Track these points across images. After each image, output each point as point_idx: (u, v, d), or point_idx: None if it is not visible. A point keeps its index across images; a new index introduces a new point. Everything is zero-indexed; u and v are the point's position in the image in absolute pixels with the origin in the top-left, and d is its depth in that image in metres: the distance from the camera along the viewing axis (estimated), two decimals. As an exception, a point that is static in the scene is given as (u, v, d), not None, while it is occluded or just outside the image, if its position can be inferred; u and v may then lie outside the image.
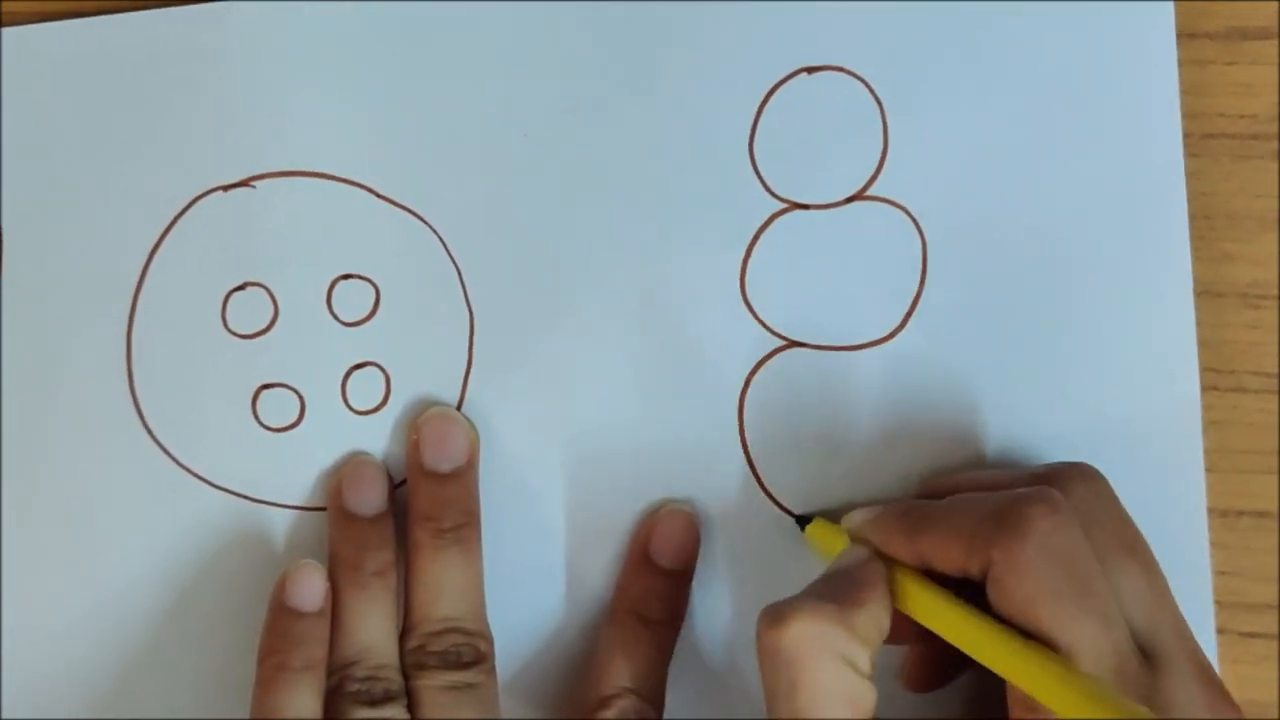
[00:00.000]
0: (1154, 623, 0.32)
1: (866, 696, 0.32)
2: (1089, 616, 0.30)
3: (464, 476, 0.39)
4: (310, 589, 0.37)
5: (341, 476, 0.39)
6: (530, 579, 0.40)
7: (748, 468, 0.40)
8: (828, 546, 0.37)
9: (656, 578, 0.39)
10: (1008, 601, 0.31)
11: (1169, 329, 0.39)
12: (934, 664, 0.36)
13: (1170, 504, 0.38)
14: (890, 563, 0.34)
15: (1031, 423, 0.39)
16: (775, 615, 0.32)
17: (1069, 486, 0.33)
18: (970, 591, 0.32)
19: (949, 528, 0.33)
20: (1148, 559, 0.33)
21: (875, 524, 0.35)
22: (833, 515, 0.38)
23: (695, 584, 0.39)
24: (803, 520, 0.38)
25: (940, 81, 0.39)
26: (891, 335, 0.39)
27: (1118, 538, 0.33)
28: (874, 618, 0.33)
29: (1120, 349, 0.39)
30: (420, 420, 0.39)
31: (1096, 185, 0.39)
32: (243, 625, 0.39)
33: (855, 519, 0.36)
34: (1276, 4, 0.39)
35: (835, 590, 0.33)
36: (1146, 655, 0.32)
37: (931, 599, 0.33)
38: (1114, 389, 0.39)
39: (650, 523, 0.39)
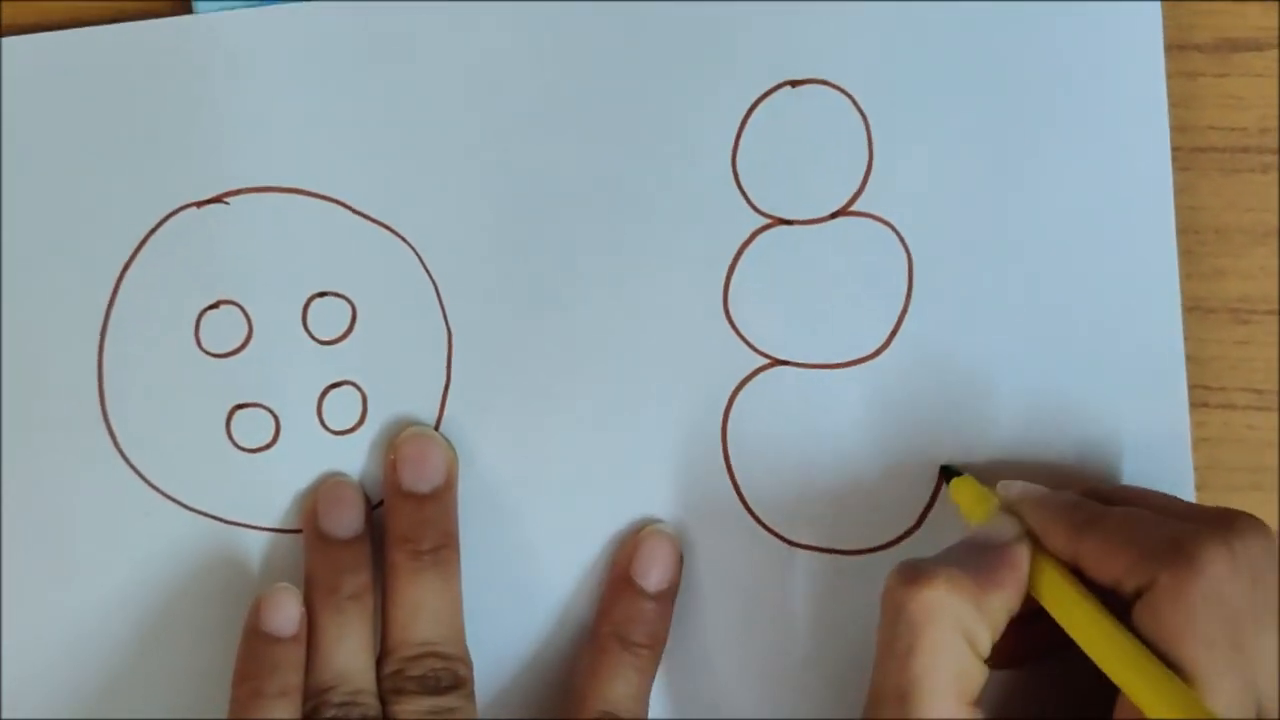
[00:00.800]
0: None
1: (977, 679, 0.32)
2: (1233, 674, 0.31)
3: (442, 497, 0.38)
4: (285, 613, 0.37)
5: (317, 498, 0.39)
6: (510, 601, 0.40)
7: (731, 487, 0.40)
8: (971, 507, 0.36)
9: (638, 600, 0.39)
10: (1158, 628, 0.31)
11: (1157, 345, 0.39)
12: (1014, 646, 0.35)
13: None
14: (1037, 548, 0.34)
15: (1019, 442, 0.39)
16: (912, 574, 0.32)
17: (1243, 536, 0.32)
18: (1107, 602, 0.32)
19: (1120, 536, 0.32)
20: None
21: (1037, 506, 0.34)
22: (983, 477, 0.38)
23: (678, 606, 0.39)
24: (949, 472, 0.38)
25: (926, 96, 0.39)
26: (876, 353, 0.39)
27: (1272, 602, 0.32)
28: (1007, 602, 0.33)
29: (1109, 367, 0.39)
30: (398, 440, 0.39)
31: (1084, 200, 0.39)
32: (217, 650, 0.39)
33: (1014, 490, 0.35)
34: (1267, 15, 0.39)
35: (978, 563, 0.33)
36: None
37: (1074, 598, 0.32)
38: (1103, 407, 0.39)
39: (632, 544, 0.39)
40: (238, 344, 0.39)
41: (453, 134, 0.39)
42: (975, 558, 0.33)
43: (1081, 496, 0.35)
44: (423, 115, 0.39)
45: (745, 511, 0.40)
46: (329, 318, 0.39)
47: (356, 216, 0.39)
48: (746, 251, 0.39)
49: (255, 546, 0.40)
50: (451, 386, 0.39)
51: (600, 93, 0.39)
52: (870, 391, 0.39)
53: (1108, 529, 0.33)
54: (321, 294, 0.39)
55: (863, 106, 0.39)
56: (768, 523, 0.40)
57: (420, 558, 0.38)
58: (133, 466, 0.39)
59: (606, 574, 0.40)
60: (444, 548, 0.38)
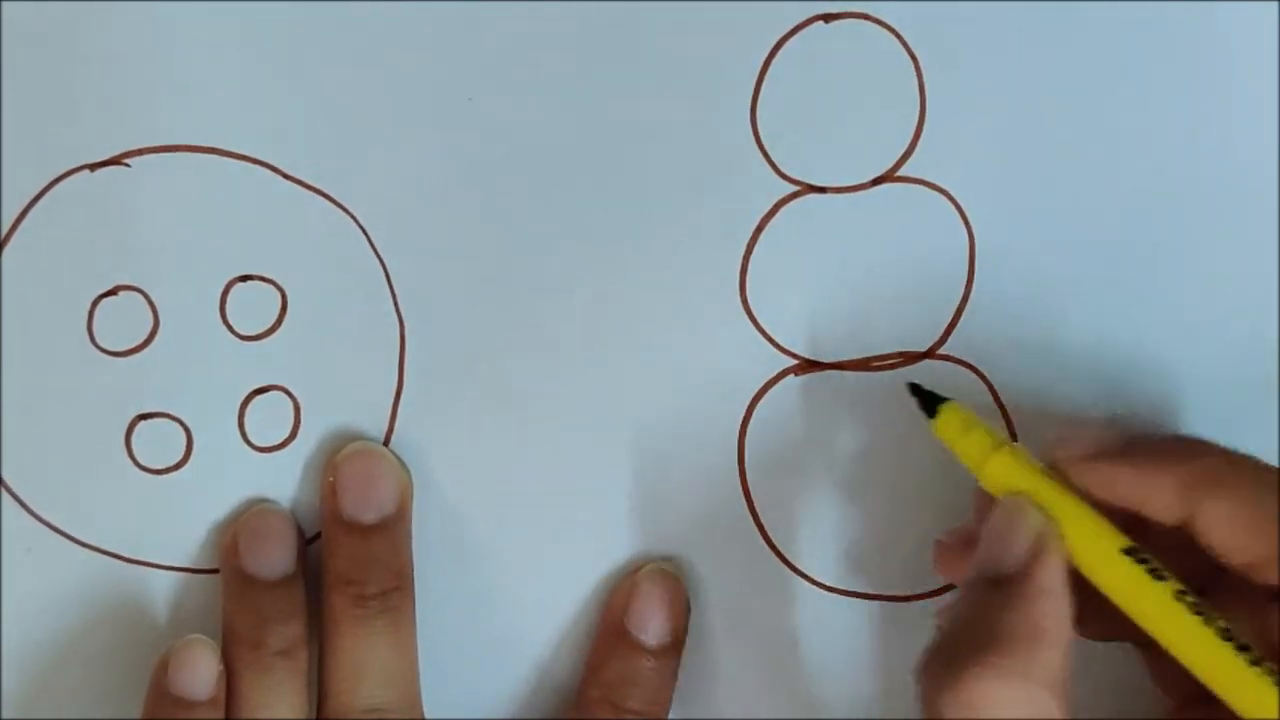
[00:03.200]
0: None
1: None
2: None
3: (392, 529, 0.37)
4: (199, 672, 0.36)
5: (238, 530, 0.37)
6: (475, 657, 0.38)
7: (750, 517, 0.38)
8: (971, 454, 0.33)
9: (635, 657, 0.37)
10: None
11: (1256, 349, 0.37)
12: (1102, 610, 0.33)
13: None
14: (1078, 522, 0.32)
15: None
16: (945, 674, 0.30)
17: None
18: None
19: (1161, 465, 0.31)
20: None
21: (1090, 467, 0.32)
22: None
23: (684, 663, 0.38)
24: (927, 399, 0.35)
25: (991, 34, 0.36)
26: (930, 351, 0.37)
27: None
28: (1061, 644, 0.31)
29: (1208, 370, 0.37)
30: (338, 459, 0.37)
31: (1189, 162, 0.36)
32: (116, 714, 0.38)
33: (1059, 453, 0.33)
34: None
35: (1007, 615, 0.31)
36: None
37: (1144, 589, 0.31)
38: (1198, 422, 0.37)
39: (627, 587, 0.37)
40: (140, 339, 0.38)
41: (407, 81, 0.37)
42: (1000, 608, 0.31)
43: (1118, 428, 0.34)
44: (370, 57, 0.37)
45: (766, 546, 0.38)
46: (253, 307, 0.38)
47: (287, 182, 0.37)
48: (769, 227, 0.37)
49: (162, 589, 0.38)
50: (404, 393, 0.38)
51: (589, 30, 0.37)
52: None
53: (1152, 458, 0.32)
54: (244, 278, 0.38)
55: (912, 46, 0.37)
56: (794, 561, 0.38)
57: (366, 604, 0.36)
58: (11, 492, 0.38)
59: (596, 624, 0.38)
60: (395, 591, 0.36)
